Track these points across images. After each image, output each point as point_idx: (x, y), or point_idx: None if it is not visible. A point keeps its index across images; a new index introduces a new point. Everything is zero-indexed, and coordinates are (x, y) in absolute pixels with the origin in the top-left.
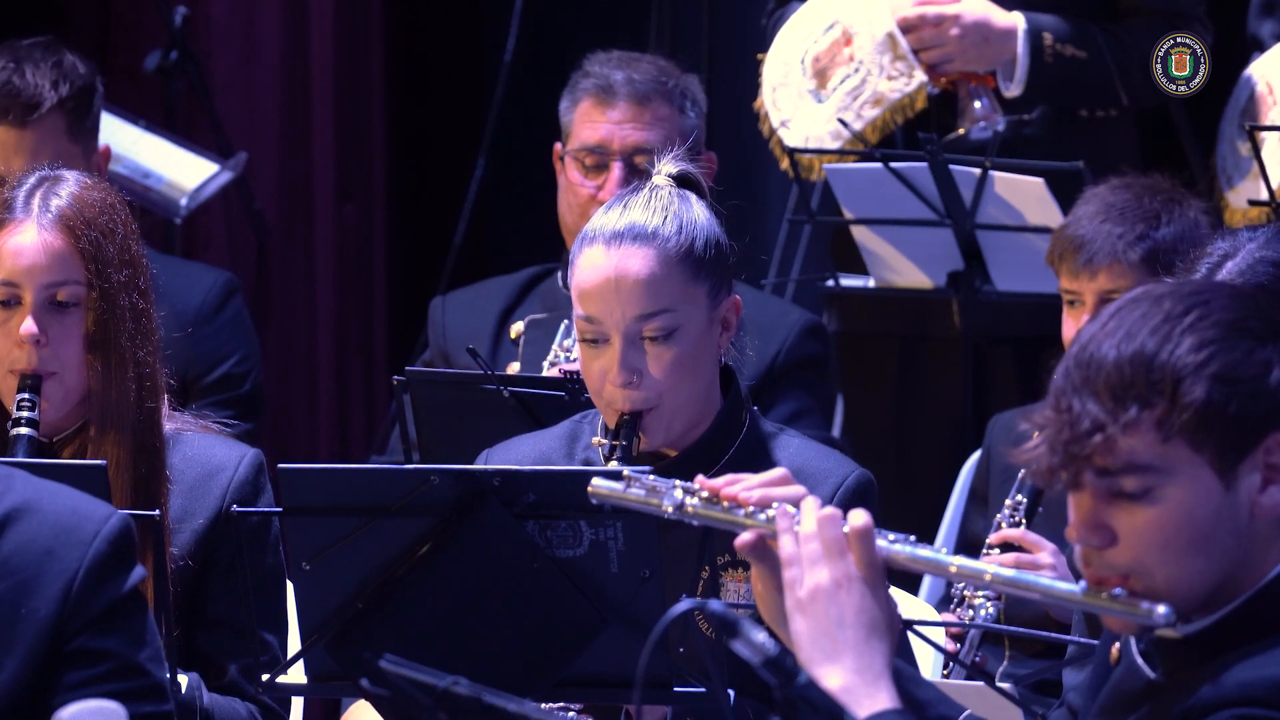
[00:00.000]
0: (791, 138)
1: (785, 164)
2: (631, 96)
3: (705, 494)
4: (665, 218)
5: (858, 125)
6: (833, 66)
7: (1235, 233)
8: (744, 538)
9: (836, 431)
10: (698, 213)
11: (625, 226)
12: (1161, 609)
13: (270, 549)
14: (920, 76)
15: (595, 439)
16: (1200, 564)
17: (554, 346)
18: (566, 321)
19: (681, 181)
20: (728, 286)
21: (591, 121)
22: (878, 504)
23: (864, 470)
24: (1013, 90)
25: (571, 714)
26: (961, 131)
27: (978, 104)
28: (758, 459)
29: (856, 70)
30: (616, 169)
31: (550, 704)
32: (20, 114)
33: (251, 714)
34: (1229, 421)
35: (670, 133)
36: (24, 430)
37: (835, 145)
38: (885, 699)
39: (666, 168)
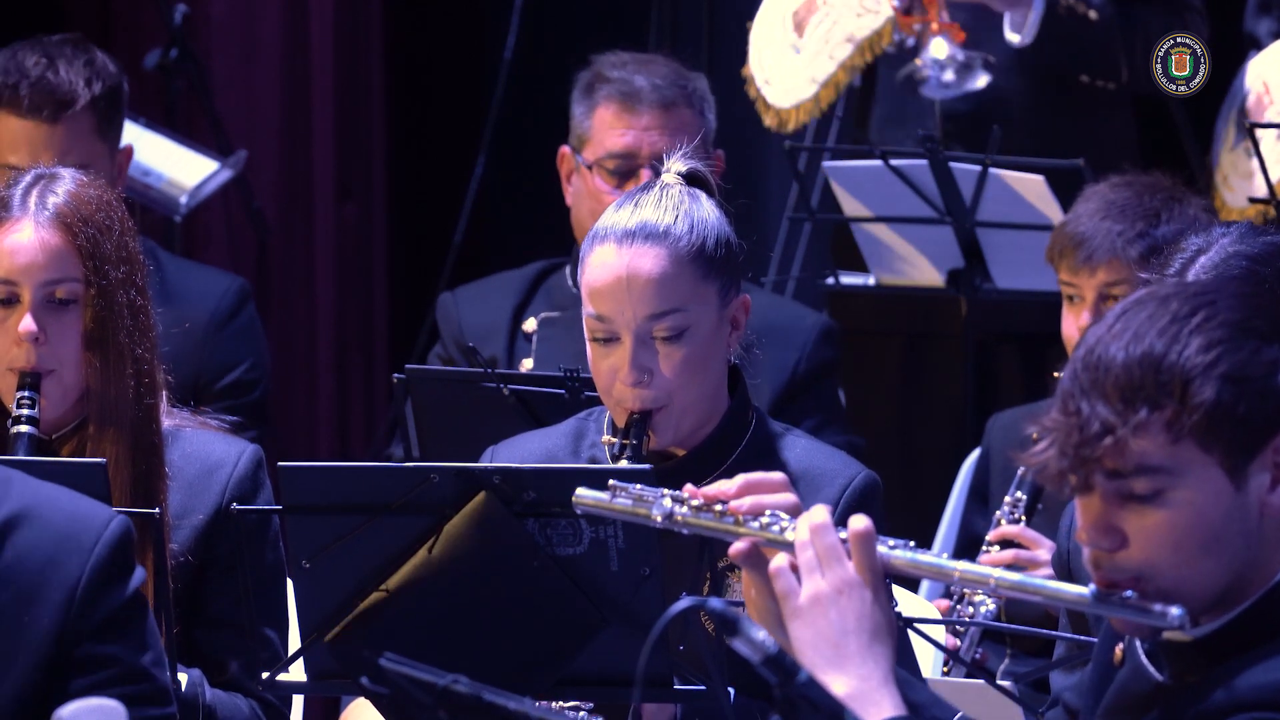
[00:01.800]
0: (774, 94)
1: (768, 120)
2: (657, 103)
3: (696, 502)
4: (677, 217)
5: (831, 66)
6: (808, 16)
7: (1209, 228)
8: (738, 546)
9: None
10: (708, 211)
11: (637, 225)
12: (1175, 611)
13: (270, 545)
14: (887, 10)
15: (604, 437)
16: (1211, 565)
17: None
18: None
19: (691, 179)
20: (737, 285)
21: (616, 129)
22: (883, 505)
23: (870, 471)
24: (1023, 38)
25: (582, 714)
26: (919, 63)
27: (936, 42)
28: (765, 458)
29: (828, 14)
30: (646, 176)
31: (562, 704)
32: (54, 110)
33: (254, 710)
34: (1238, 421)
35: (693, 136)
36: (24, 428)
37: (812, 91)
38: (890, 706)
39: (676, 166)
